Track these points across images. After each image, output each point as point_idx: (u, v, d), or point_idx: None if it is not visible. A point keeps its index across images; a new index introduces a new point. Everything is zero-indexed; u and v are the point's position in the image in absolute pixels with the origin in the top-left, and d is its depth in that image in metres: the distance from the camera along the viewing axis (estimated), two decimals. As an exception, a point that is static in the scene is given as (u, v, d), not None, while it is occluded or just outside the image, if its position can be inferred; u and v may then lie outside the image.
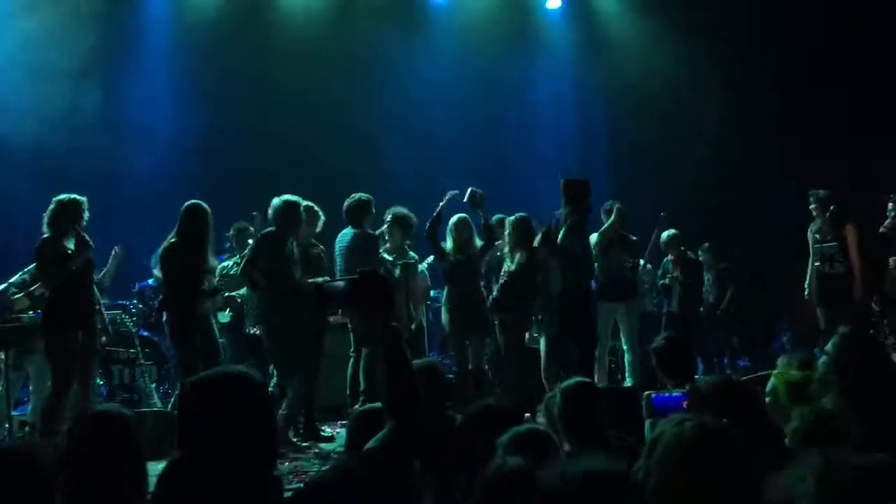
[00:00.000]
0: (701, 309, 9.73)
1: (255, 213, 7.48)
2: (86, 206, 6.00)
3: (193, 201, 6.21)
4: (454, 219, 7.07)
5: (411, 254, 7.33)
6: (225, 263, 7.75)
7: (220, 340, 6.69)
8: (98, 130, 8.93)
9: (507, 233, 6.98)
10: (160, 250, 6.30)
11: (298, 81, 10.16)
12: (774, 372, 3.32)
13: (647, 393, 3.07)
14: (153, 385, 7.30)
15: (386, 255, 7.13)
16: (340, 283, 2.30)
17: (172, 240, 6.16)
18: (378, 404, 3.01)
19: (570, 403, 3.40)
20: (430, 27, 11.13)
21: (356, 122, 10.24)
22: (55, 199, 5.97)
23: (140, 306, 7.99)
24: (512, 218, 6.99)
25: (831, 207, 7.51)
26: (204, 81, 9.97)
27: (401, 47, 10.61)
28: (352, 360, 7.02)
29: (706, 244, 9.81)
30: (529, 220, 7.01)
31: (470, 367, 6.90)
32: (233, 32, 10.18)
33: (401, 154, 10.33)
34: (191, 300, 6.08)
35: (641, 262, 8.45)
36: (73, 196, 5.98)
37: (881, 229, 7.68)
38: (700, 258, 9.59)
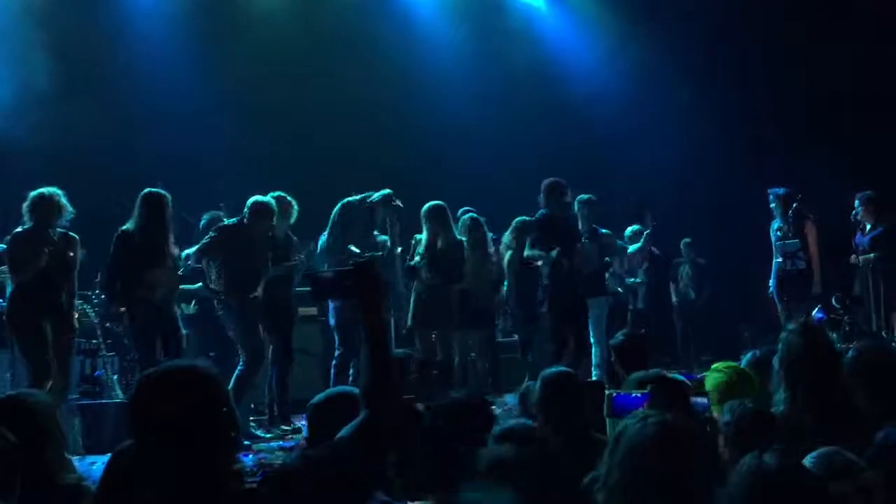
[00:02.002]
0: (675, 301, 9.87)
1: (222, 203, 7.41)
2: (62, 200, 5.76)
3: (150, 189, 6.03)
4: (426, 207, 6.97)
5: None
6: (190, 251, 7.62)
7: (184, 332, 6.58)
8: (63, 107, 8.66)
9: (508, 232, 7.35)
10: (114, 238, 6.03)
11: (270, 64, 10.00)
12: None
13: (608, 392, 3.10)
14: (115, 376, 7.20)
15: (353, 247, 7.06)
16: (330, 274, 2.31)
17: (123, 228, 5.95)
18: (333, 390, 3.03)
19: (550, 392, 3.43)
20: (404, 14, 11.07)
21: (336, 108, 10.12)
22: (32, 192, 5.75)
23: (102, 296, 7.84)
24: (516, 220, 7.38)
25: (793, 205, 7.64)
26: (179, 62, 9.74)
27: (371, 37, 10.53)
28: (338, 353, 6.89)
29: (687, 239, 9.92)
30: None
31: (438, 359, 6.90)
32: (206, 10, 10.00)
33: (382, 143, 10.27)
34: (143, 291, 5.93)
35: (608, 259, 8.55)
36: (50, 190, 5.76)
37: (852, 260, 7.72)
38: (682, 252, 9.75)
